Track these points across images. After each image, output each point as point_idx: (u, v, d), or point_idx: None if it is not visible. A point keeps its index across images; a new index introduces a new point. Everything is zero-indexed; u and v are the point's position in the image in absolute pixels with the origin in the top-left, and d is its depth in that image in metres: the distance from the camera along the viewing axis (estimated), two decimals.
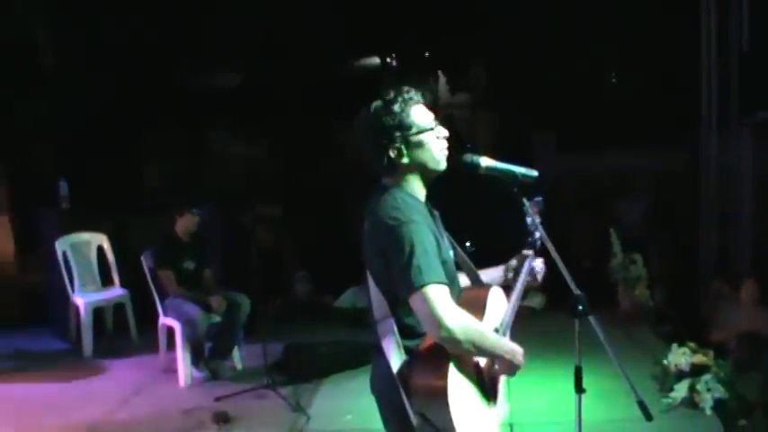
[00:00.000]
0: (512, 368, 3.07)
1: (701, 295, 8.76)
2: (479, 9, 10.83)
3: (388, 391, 3.02)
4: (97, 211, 9.21)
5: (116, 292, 8.68)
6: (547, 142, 11.83)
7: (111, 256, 8.78)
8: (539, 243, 3.45)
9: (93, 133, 10.19)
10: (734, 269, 8.81)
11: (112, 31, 10.13)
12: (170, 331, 7.36)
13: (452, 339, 2.80)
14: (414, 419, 2.89)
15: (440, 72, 14.54)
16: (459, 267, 3.35)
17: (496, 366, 3.09)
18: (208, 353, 7.42)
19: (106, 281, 8.79)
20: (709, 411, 5.73)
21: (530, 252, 3.44)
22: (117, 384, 7.39)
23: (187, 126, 11.74)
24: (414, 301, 2.85)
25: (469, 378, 2.95)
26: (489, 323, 3.10)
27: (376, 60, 14.05)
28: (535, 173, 3.21)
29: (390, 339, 3.01)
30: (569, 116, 10.88)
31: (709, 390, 5.83)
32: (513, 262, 3.48)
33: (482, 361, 3.04)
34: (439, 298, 2.82)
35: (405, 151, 3.05)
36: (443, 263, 2.99)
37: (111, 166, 10.39)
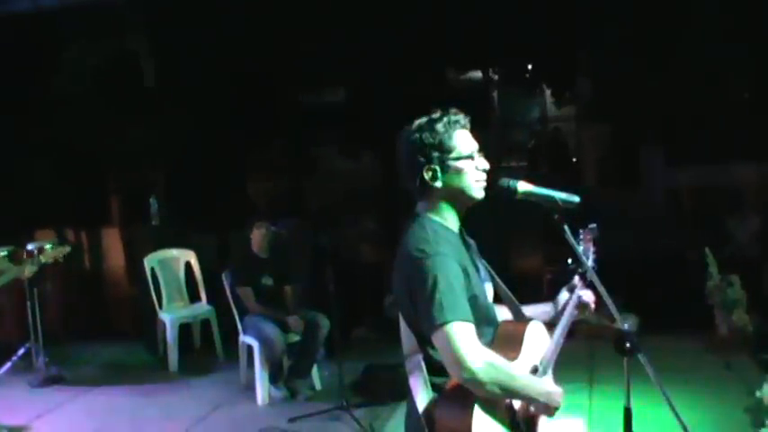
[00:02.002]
0: (548, 410, 2.88)
1: None
2: (583, 18, 10.53)
3: (413, 430, 2.87)
4: (192, 228, 9.32)
5: (202, 308, 8.73)
6: (655, 155, 11.48)
7: (198, 273, 8.86)
8: (592, 272, 3.23)
9: (197, 152, 10.30)
10: None
11: (216, 49, 10.20)
12: (250, 349, 7.33)
13: (475, 381, 2.63)
14: None
15: (544, 85, 14.33)
16: (499, 300, 3.17)
17: (532, 408, 2.89)
18: (287, 372, 7.35)
19: (194, 297, 8.83)
20: None
21: (578, 283, 3.21)
22: (197, 400, 7.40)
23: (291, 142, 11.81)
24: (436, 339, 2.70)
25: (499, 420, 2.78)
26: (526, 361, 2.92)
27: (478, 74, 13.92)
28: (577, 198, 2.99)
29: (417, 377, 2.87)
30: (679, 128, 10.49)
31: None
32: (564, 295, 3.27)
33: (516, 402, 2.85)
34: (462, 337, 2.65)
35: (439, 174, 2.90)
36: (473, 298, 2.83)
37: (214, 184, 10.47)
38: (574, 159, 13.97)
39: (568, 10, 10.18)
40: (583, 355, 7.67)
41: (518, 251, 10.35)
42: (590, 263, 3.29)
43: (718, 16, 9.47)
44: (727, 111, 10.41)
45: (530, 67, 13.17)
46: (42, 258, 7.35)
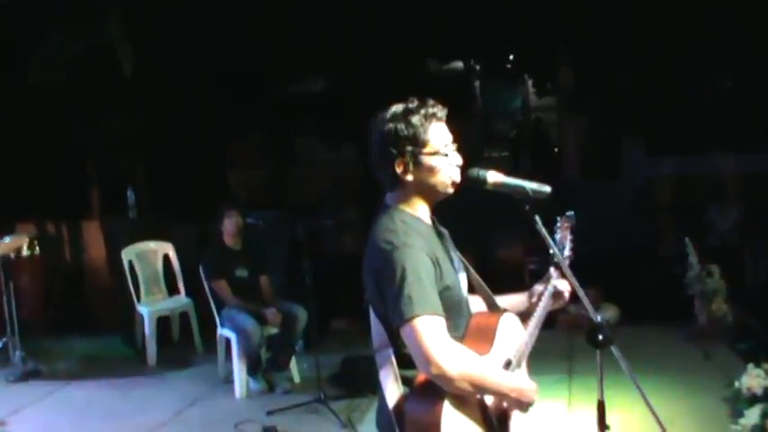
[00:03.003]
0: (521, 405, 2.82)
1: None
2: (565, 9, 10.49)
3: (385, 426, 2.82)
4: (171, 219, 9.25)
5: (180, 300, 8.67)
6: (636, 145, 11.48)
7: (176, 265, 8.80)
8: (568, 262, 3.18)
9: (175, 142, 10.23)
10: None
11: (194, 40, 10.11)
12: (228, 342, 7.28)
13: (444, 377, 2.57)
14: None
15: (526, 76, 14.32)
16: (473, 290, 3.11)
17: (504, 403, 2.84)
18: (265, 364, 7.30)
19: (173, 289, 8.76)
20: None
21: (553, 274, 3.15)
22: (175, 394, 7.36)
23: (272, 132, 11.74)
24: (404, 334, 2.64)
25: (470, 416, 2.70)
26: (499, 354, 2.85)
27: (460, 65, 13.89)
28: (548, 188, 2.92)
29: (387, 371, 2.80)
30: (660, 119, 10.48)
31: None
32: (539, 286, 3.20)
33: (488, 397, 2.79)
34: (430, 331, 2.58)
35: (411, 168, 2.81)
36: (446, 289, 2.77)
37: (193, 175, 10.40)
38: (555, 149, 13.98)
39: (550, 1, 10.16)
40: (563, 345, 7.66)
41: (500, 242, 10.34)
42: (567, 252, 3.24)
43: (700, 6, 9.45)
44: (709, 101, 10.41)
45: (512, 57, 13.17)
46: None
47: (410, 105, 2.82)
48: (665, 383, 6.62)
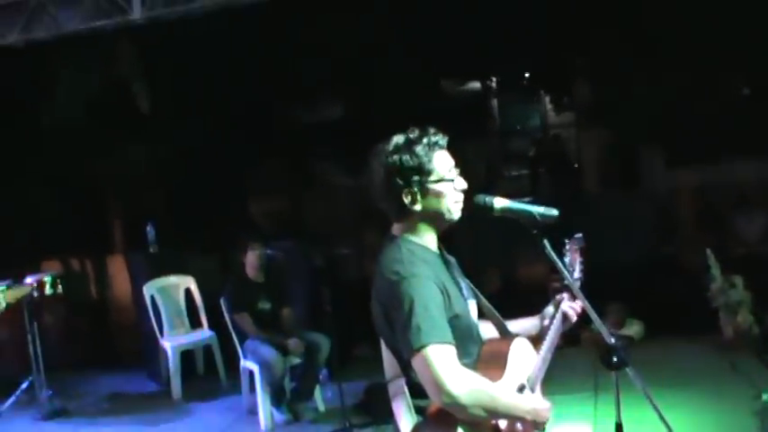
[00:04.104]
0: (536, 426, 2.81)
1: None
2: (579, 23, 10.49)
3: None
4: (193, 252, 9.28)
5: (203, 334, 8.68)
6: (656, 157, 11.41)
7: (198, 298, 8.81)
8: (578, 284, 3.17)
9: (194, 174, 10.28)
10: None
11: (209, 70, 10.18)
12: (252, 373, 7.27)
13: (457, 405, 2.57)
14: None
15: (542, 92, 14.31)
16: (483, 317, 3.10)
17: (519, 426, 2.82)
18: (290, 395, 7.29)
19: (195, 323, 8.78)
20: None
21: (564, 296, 3.15)
22: (202, 427, 7.39)
23: (290, 160, 11.77)
24: (415, 364, 2.64)
25: None
26: (512, 379, 2.85)
27: (476, 84, 13.90)
28: (555, 212, 2.92)
29: (401, 401, 2.81)
30: (679, 129, 10.42)
31: None
32: (550, 309, 3.20)
33: (502, 422, 2.78)
34: (440, 360, 2.58)
35: (419, 198, 2.83)
36: (455, 317, 2.77)
37: (212, 206, 10.44)
38: (575, 165, 13.91)
39: (563, 16, 10.16)
40: (587, 363, 7.58)
41: (523, 259, 10.29)
42: (577, 274, 3.23)
43: (714, 14, 9.41)
44: (727, 108, 10.35)
45: (527, 74, 13.18)
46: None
47: (411, 136, 2.84)
48: (692, 397, 6.55)
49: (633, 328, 8.53)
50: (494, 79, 13.75)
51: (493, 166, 13.58)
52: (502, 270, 9.57)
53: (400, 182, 2.82)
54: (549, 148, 14.37)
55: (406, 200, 2.82)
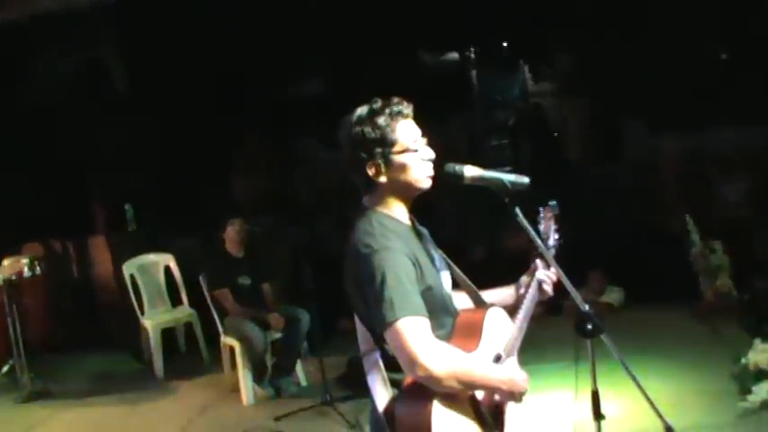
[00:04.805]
0: (513, 396, 2.81)
1: None
2: None
3: (376, 429, 2.79)
4: (174, 231, 9.23)
5: (184, 311, 8.67)
6: (637, 124, 11.39)
7: (178, 276, 8.79)
8: (553, 252, 3.15)
9: (174, 153, 10.21)
10: None
11: (187, 47, 10.08)
12: (233, 350, 7.26)
13: (430, 377, 2.54)
14: None
15: (522, 62, 14.26)
16: (458, 287, 3.08)
17: (497, 396, 2.81)
18: (271, 370, 7.28)
19: (176, 301, 8.75)
20: None
21: (539, 265, 3.13)
22: (184, 405, 7.36)
23: (273, 137, 11.70)
24: (387, 337, 2.61)
25: (462, 414, 2.68)
26: (488, 349, 2.83)
27: (455, 55, 13.83)
28: (526, 180, 2.88)
29: (375, 375, 2.79)
30: (661, 96, 10.40)
31: None
32: (525, 278, 3.18)
33: (479, 392, 2.76)
34: (413, 333, 2.55)
35: (384, 169, 2.79)
36: (428, 289, 2.74)
37: (193, 185, 10.37)
38: (555, 134, 13.89)
39: None
40: (569, 333, 7.57)
41: (506, 229, 10.28)
42: (551, 242, 3.22)
43: None
44: (707, 75, 10.33)
45: (506, 44, 13.12)
46: None
47: (374, 106, 2.80)
48: (672, 363, 6.58)
49: (613, 296, 8.57)
50: (473, 50, 13.69)
51: (474, 136, 13.54)
52: (486, 241, 9.58)
53: (364, 154, 2.78)
54: (530, 118, 14.33)
55: (371, 172, 2.78)
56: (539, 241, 2.97)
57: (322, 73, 11.75)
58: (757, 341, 6.05)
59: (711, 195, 9.77)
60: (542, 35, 11.87)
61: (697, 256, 7.98)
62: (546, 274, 3.11)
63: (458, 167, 2.87)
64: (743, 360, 5.93)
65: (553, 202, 3.28)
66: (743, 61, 10.25)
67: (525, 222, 2.87)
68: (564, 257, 3.13)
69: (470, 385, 2.67)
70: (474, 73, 15.24)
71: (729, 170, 9.84)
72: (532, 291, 3.08)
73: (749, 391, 5.63)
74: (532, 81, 14.46)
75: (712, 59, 10.90)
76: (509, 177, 2.88)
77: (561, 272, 2.92)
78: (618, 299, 8.55)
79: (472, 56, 14.02)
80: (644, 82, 10.19)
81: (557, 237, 3.26)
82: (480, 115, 15.28)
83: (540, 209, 3.26)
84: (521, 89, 15.89)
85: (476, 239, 9.35)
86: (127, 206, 8.84)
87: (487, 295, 3.14)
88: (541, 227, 3.21)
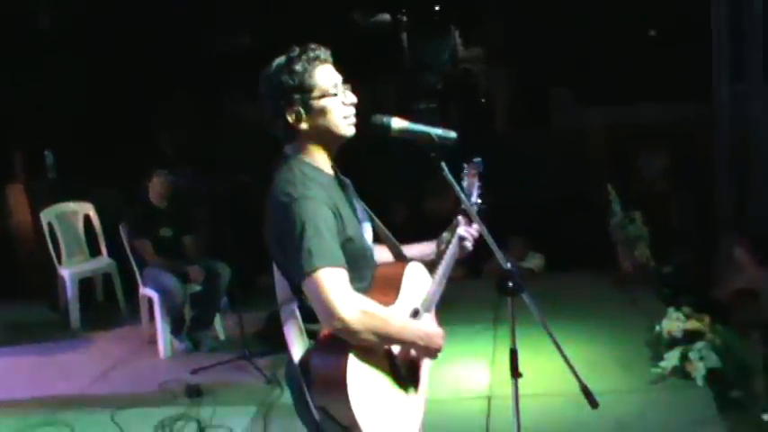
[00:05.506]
0: (429, 352, 2.80)
1: (712, 255, 8.40)
2: None
3: (292, 381, 2.78)
4: (94, 180, 9.06)
5: (102, 261, 8.52)
6: (565, 95, 11.49)
7: (98, 226, 8.63)
8: (476, 209, 3.15)
9: (97, 101, 10.00)
10: (750, 226, 8.43)
11: None
12: (151, 302, 7.18)
13: (348, 330, 2.52)
14: (316, 414, 2.63)
15: (453, 27, 14.27)
16: (379, 241, 3.07)
17: (413, 351, 2.81)
18: (189, 323, 7.22)
19: (94, 251, 8.61)
20: (700, 382, 5.48)
21: (461, 221, 3.12)
22: (99, 356, 7.27)
23: (197, 90, 11.53)
24: (305, 287, 2.58)
25: (377, 367, 2.67)
26: (406, 304, 2.82)
27: (387, 17, 13.78)
28: (453, 134, 2.87)
29: (292, 326, 2.76)
30: (588, 69, 10.50)
31: (701, 359, 5.58)
32: (446, 234, 3.17)
33: (395, 347, 2.76)
34: (331, 283, 2.53)
35: (304, 116, 2.75)
36: (348, 240, 2.71)
37: (116, 135, 10.18)
38: (483, 100, 13.95)
39: None
40: (489, 295, 7.64)
41: (432, 190, 10.30)
42: (474, 198, 3.21)
43: None
44: (635, 50, 10.46)
45: (438, 8, 13.12)
46: None
47: (291, 54, 2.77)
48: (589, 329, 6.70)
49: (534, 261, 8.66)
50: (405, 12, 13.66)
51: (402, 98, 13.53)
52: (408, 202, 9.59)
53: (283, 102, 2.75)
54: (459, 83, 14.35)
55: (291, 119, 2.75)
56: (463, 196, 2.96)
57: (250, 28, 11.64)
58: (671, 310, 6.18)
59: (634, 168, 9.90)
60: (474, 1, 11.89)
61: (617, 226, 8.10)
62: (467, 231, 3.11)
63: (385, 119, 2.85)
64: (657, 328, 6.08)
65: (477, 159, 3.26)
66: (670, 39, 10.40)
67: (450, 177, 2.85)
68: (486, 222, 3.12)
69: (387, 339, 2.66)
70: (405, 36, 15.22)
71: (652, 144, 9.98)
72: (453, 247, 3.08)
73: (661, 358, 5.78)
74: (462, 47, 14.49)
75: (641, 36, 11.04)
76: (436, 131, 2.87)
77: (484, 228, 2.91)
78: (538, 265, 8.65)
79: (404, 18, 14.00)
80: (573, 54, 10.29)
81: (479, 193, 3.26)
82: (409, 78, 15.27)
83: (465, 165, 3.24)
84: (450, 54, 15.90)
85: (399, 199, 9.35)
86: (47, 152, 8.61)
87: (408, 250, 3.14)
88: (465, 183, 3.19)
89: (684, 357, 5.64)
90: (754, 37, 7.78)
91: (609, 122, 10.68)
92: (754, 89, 8.04)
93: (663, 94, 10.03)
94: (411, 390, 2.82)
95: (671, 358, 5.71)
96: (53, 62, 9.87)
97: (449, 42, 15.59)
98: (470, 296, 7.21)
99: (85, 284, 8.43)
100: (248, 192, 8.97)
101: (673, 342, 5.84)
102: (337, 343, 2.57)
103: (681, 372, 5.61)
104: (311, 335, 2.71)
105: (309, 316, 2.69)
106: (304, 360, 2.69)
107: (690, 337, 5.81)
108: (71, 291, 8.11)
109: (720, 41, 8.26)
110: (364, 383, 2.59)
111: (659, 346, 5.96)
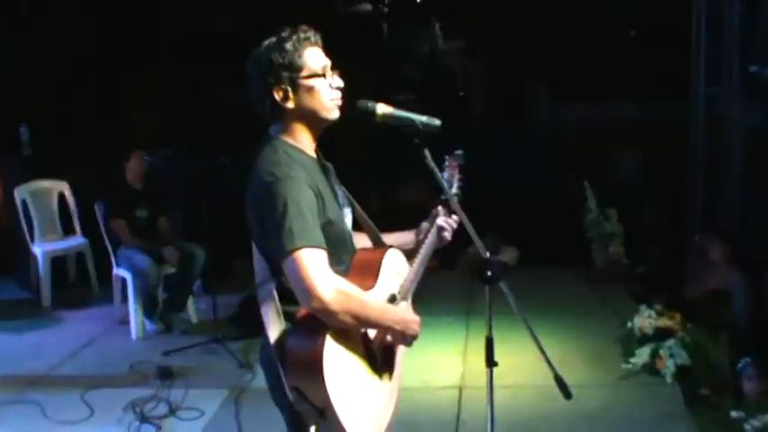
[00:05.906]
0: (405, 338, 2.82)
1: (684, 253, 8.47)
2: None
3: (267, 361, 2.79)
4: (69, 158, 8.99)
5: (76, 240, 8.46)
6: (542, 92, 11.51)
7: (72, 204, 8.55)
8: (456, 199, 3.15)
9: (75, 79, 9.92)
10: (722, 226, 8.51)
11: None
12: (124, 282, 7.16)
13: (326, 310, 2.52)
14: (290, 395, 2.64)
15: (433, 18, 14.27)
16: (359, 227, 3.08)
17: (389, 337, 2.82)
18: (162, 305, 7.20)
19: (69, 229, 8.55)
20: (670, 379, 5.53)
21: (440, 211, 3.13)
22: (70, 336, 7.21)
23: (177, 71, 11.48)
24: (285, 267, 2.58)
25: (353, 351, 2.68)
26: (383, 289, 2.84)
27: (368, 7, 13.76)
28: (438, 122, 2.88)
29: (269, 306, 2.76)
30: (567, 65, 10.53)
31: (671, 356, 5.64)
32: (426, 224, 3.19)
33: (371, 331, 2.77)
34: (311, 264, 2.53)
35: (291, 94, 2.75)
36: (328, 223, 2.72)
37: (93, 113, 10.11)
38: (461, 93, 13.97)
39: None
40: (463, 286, 7.70)
41: (413, 179, 10.31)
42: (454, 190, 3.21)
43: None
44: (614, 49, 10.50)
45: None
46: None
47: (282, 34, 2.78)
48: (561, 324, 6.74)
49: (508, 254, 8.68)
50: (386, 2, 13.65)
51: (380, 89, 13.53)
52: (385, 191, 9.59)
53: (271, 80, 2.75)
54: (437, 75, 14.36)
55: (278, 96, 2.75)
56: (445, 186, 2.97)
57: (231, 12, 11.59)
58: (643, 307, 6.25)
59: (609, 165, 9.95)
60: None
61: (591, 222, 8.15)
62: (446, 221, 3.12)
63: (370, 104, 2.86)
64: (628, 324, 6.14)
65: (459, 151, 3.27)
66: (648, 39, 10.46)
67: (433, 164, 2.86)
68: (462, 207, 3.13)
69: (364, 322, 2.66)
70: (385, 26, 15.21)
71: (627, 142, 10.04)
72: (431, 237, 3.09)
73: (632, 354, 5.85)
74: (442, 39, 14.50)
75: (621, 35, 11.09)
76: (421, 118, 2.88)
77: (465, 218, 2.92)
78: (512, 258, 8.68)
79: (385, 9, 13.99)
80: (552, 50, 10.32)
81: (460, 185, 3.27)
82: (388, 68, 15.26)
83: (446, 157, 3.25)
84: (430, 46, 15.91)
85: (376, 187, 9.35)
86: (22, 128, 8.53)
87: (387, 238, 3.15)
88: (446, 174, 3.20)
89: (655, 354, 5.70)
90: (731, 38, 7.84)
91: (585, 119, 10.73)
92: (731, 90, 8.10)
93: (639, 93, 10.09)
94: (386, 376, 2.84)
95: (641, 355, 5.77)
96: (29, 37, 9.78)
97: (429, 34, 15.60)
98: (444, 288, 7.24)
99: (58, 263, 8.36)
100: (226, 175, 8.96)
101: (644, 339, 5.91)
102: (314, 324, 2.58)
103: (651, 368, 5.67)
104: (288, 316, 2.72)
105: (287, 297, 2.69)
106: (280, 341, 2.69)
107: (661, 335, 5.87)
108: (43, 269, 8.05)
109: (698, 42, 8.31)
110: (340, 366, 2.59)
111: (630, 342, 6.02)
